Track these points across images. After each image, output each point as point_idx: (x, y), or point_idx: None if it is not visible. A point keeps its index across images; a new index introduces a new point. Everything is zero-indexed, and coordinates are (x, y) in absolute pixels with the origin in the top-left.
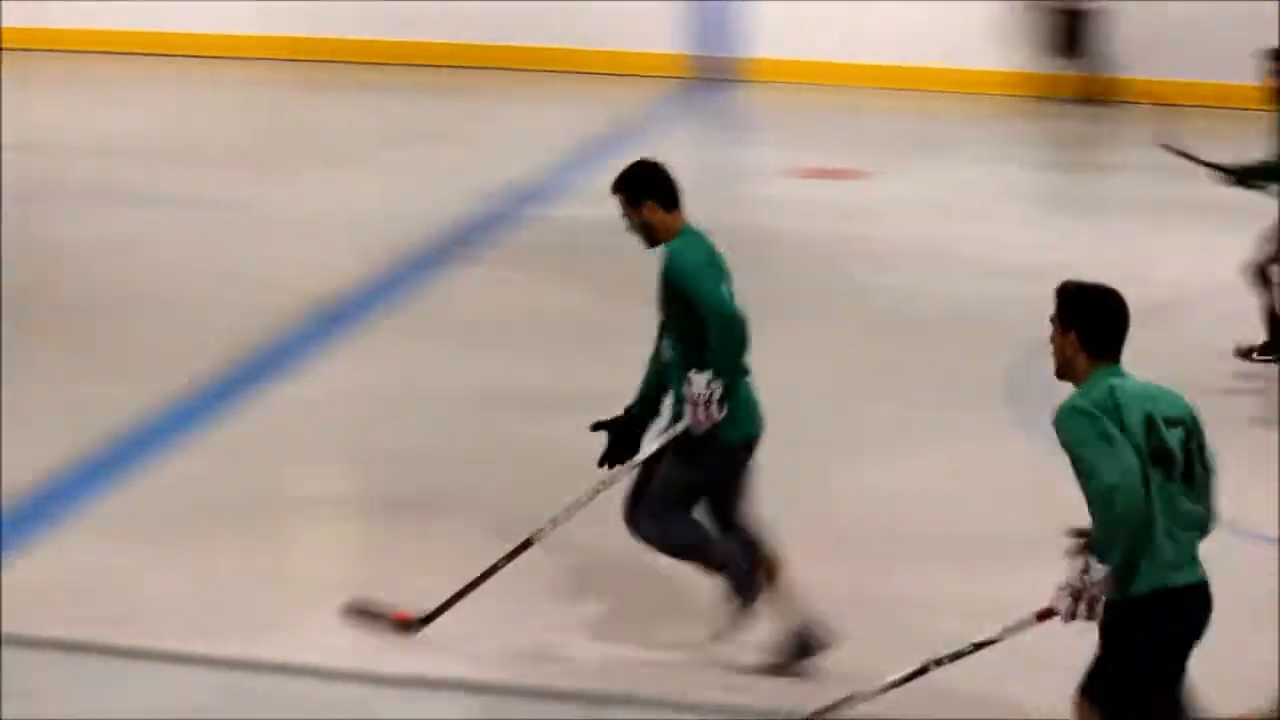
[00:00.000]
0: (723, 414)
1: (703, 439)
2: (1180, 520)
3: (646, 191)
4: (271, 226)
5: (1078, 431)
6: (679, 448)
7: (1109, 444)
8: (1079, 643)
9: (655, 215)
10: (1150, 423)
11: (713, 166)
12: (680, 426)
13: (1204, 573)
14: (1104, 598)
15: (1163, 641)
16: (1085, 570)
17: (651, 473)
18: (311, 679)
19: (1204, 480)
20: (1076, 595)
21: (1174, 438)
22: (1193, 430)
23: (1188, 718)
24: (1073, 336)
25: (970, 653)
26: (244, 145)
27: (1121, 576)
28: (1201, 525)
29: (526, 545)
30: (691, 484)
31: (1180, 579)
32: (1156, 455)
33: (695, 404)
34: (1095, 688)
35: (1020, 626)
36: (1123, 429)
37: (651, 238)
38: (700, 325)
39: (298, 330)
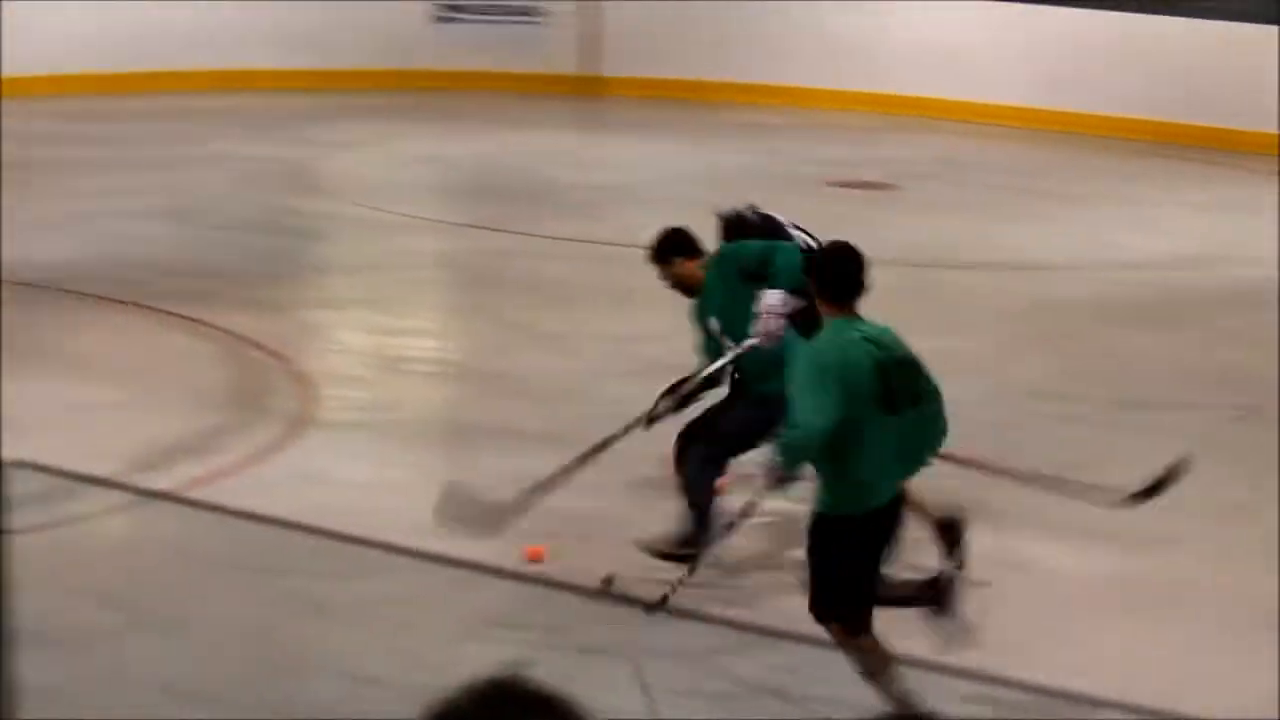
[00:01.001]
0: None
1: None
2: (896, 454)
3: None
4: None
5: (802, 367)
6: (738, 398)
7: (816, 389)
8: None
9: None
10: (880, 368)
11: None
12: (748, 343)
13: (899, 488)
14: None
15: (862, 551)
16: (771, 461)
17: (707, 418)
18: None
19: (931, 403)
20: (767, 473)
21: (900, 375)
22: (916, 364)
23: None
24: (819, 291)
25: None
26: None
27: (833, 498)
28: (925, 448)
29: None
30: (745, 430)
31: (880, 502)
32: (882, 397)
33: (767, 314)
34: (821, 598)
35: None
36: (851, 377)
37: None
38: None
39: None
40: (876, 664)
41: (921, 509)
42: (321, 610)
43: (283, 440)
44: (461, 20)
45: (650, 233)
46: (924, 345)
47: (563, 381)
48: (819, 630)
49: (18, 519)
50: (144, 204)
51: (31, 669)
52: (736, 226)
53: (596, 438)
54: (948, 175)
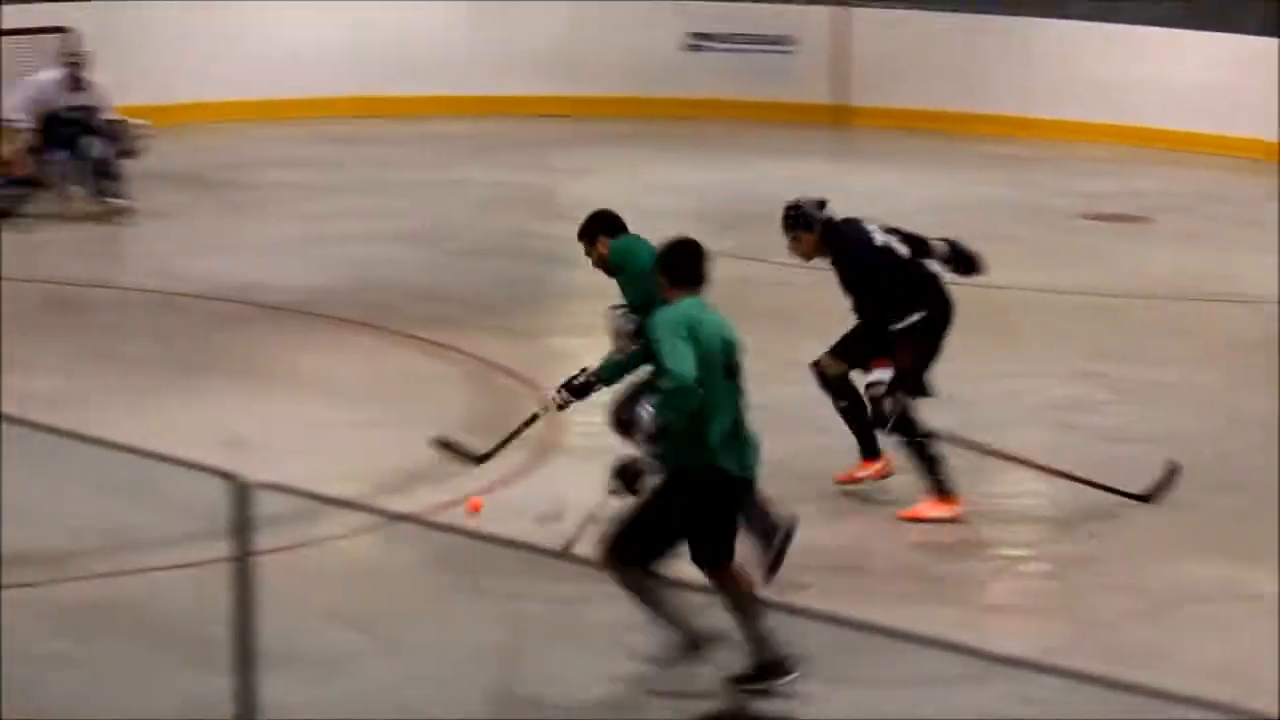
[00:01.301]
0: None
1: None
2: (741, 420)
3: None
4: None
5: (664, 328)
6: None
7: (680, 344)
8: None
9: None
10: (726, 344)
11: None
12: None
13: (751, 459)
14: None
15: (705, 507)
16: (646, 412)
17: None
18: None
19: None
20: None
21: (738, 361)
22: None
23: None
24: (662, 276)
25: None
26: None
27: (690, 451)
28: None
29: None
30: None
31: (733, 467)
32: (728, 369)
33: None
34: (627, 533)
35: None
36: (700, 342)
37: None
38: None
39: None
40: (744, 603)
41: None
42: (561, 634)
43: (528, 466)
44: (711, 48)
45: None
46: (1162, 377)
47: (807, 410)
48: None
49: (264, 540)
50: (389, 228)
51: (275, 690)
52: (795, 218)
53: (838, 468)
54: (1199, 208)
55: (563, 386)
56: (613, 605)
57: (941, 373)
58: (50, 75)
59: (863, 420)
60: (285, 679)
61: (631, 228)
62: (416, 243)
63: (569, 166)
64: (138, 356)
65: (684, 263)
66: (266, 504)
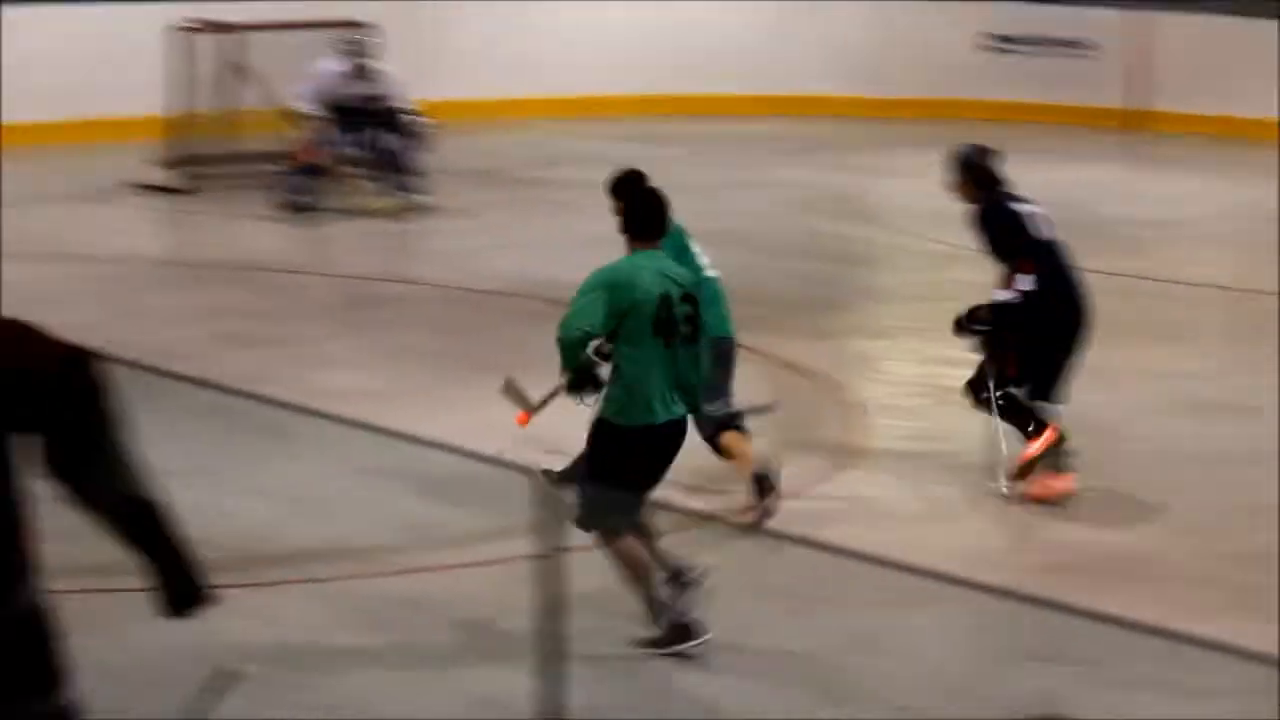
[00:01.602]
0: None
1: None
2: (672, 379)
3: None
4: None
5: (587, 280)
6: None
7: (590, 302)
8: None
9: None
10: (664, 299)
11: None
12: None
13: (681, 411)
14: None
15: (634, 460)
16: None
17: None
18: None
19: (696, 346)
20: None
21: (681, 311)
22: (700, 300)
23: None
24: (624, 230)
25: None
26: None
27: (613, 406)
28: (693, 372)
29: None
30: None
31: (659, 419)
32: (660, 325)
33: None
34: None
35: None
36: (635, 299)
37: None
38: None
39: None
40: (635, 571)
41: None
42: (867, 640)
43: (833, 469)
44: (1011, 51)
45: (1197, 269)
46: None
47: (1103, 415)
48: None
49: (574, 538)
50: (690, 228)
51: (580, 688)
52: (963, 164)
53: (1133, 474)
54: None
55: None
56: (924, 610)
57: None
58: (336, 64)
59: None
60: (589, 675)
61: (927, 230)
62: (718, 243)
63: (873, 167)
64: (437, 352)
65: (642, 216)
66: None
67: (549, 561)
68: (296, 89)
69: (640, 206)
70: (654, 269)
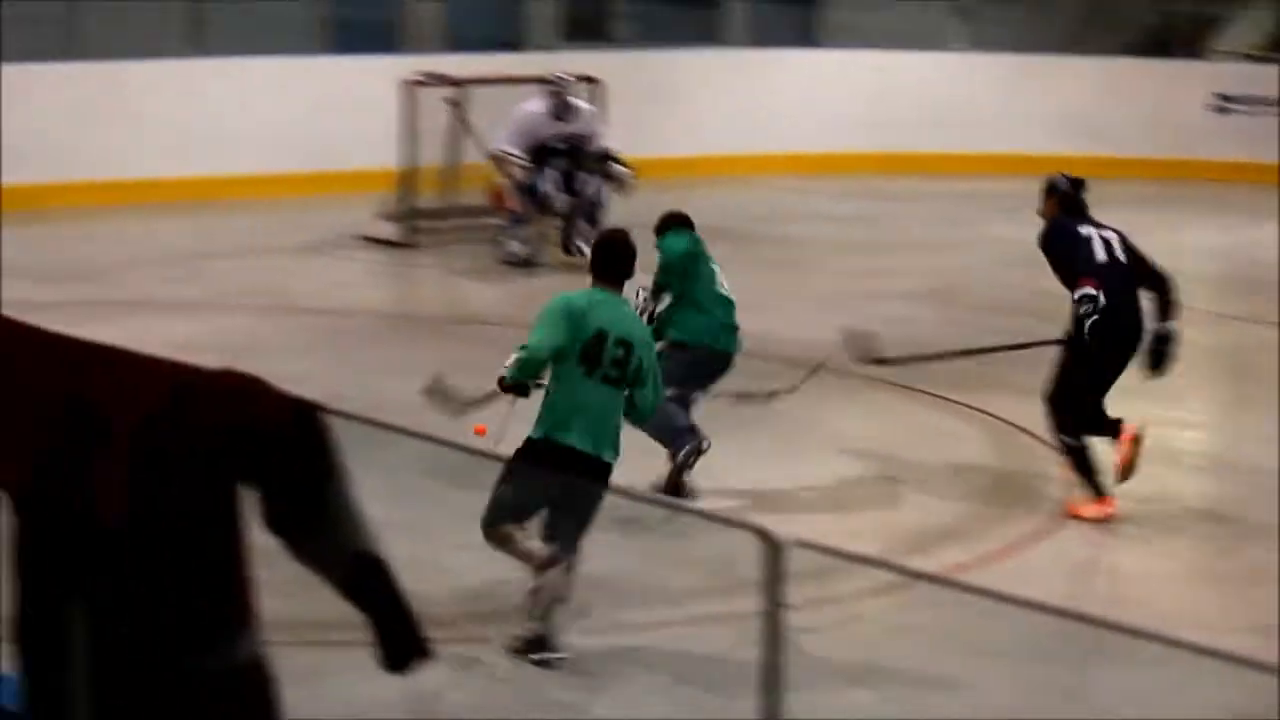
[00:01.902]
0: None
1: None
2: (585, 405)
3: None
4: None
5: (546, 309)
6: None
7: (548, 324)
8: None
9: None
10: (599, 334)
11: None
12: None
13: (596, 448)
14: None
15: (510, 468)
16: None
17: None
18: None
19: (640, 385)
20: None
21: (611, 352)
22: (634, 350)
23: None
24: (590, 268)
25: None
26: None
27: (538, 422)
28: (612, 415)
29: None
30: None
31: (566, 440)
32: (585, 355)
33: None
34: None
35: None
36: (578, 326)
37: None
38: None
39: None
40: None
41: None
42: (1076, 697)
43: (1048, 526)
44: (1236, 110)
45: None
46: None
47: None
48: None
49: (791, 595)
50: (914, 285)
51: None
52: (1050, 188)
53: None
54: None
55: None
56: (1137, 670)
57: None
58: (536, 105)
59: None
60: None
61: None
62: (941, 300)
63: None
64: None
65: (604, 259)
66: (795, 560)
67: (772, 620)
68: (499, 132)
69: (604, 251)
70: (600, 305)
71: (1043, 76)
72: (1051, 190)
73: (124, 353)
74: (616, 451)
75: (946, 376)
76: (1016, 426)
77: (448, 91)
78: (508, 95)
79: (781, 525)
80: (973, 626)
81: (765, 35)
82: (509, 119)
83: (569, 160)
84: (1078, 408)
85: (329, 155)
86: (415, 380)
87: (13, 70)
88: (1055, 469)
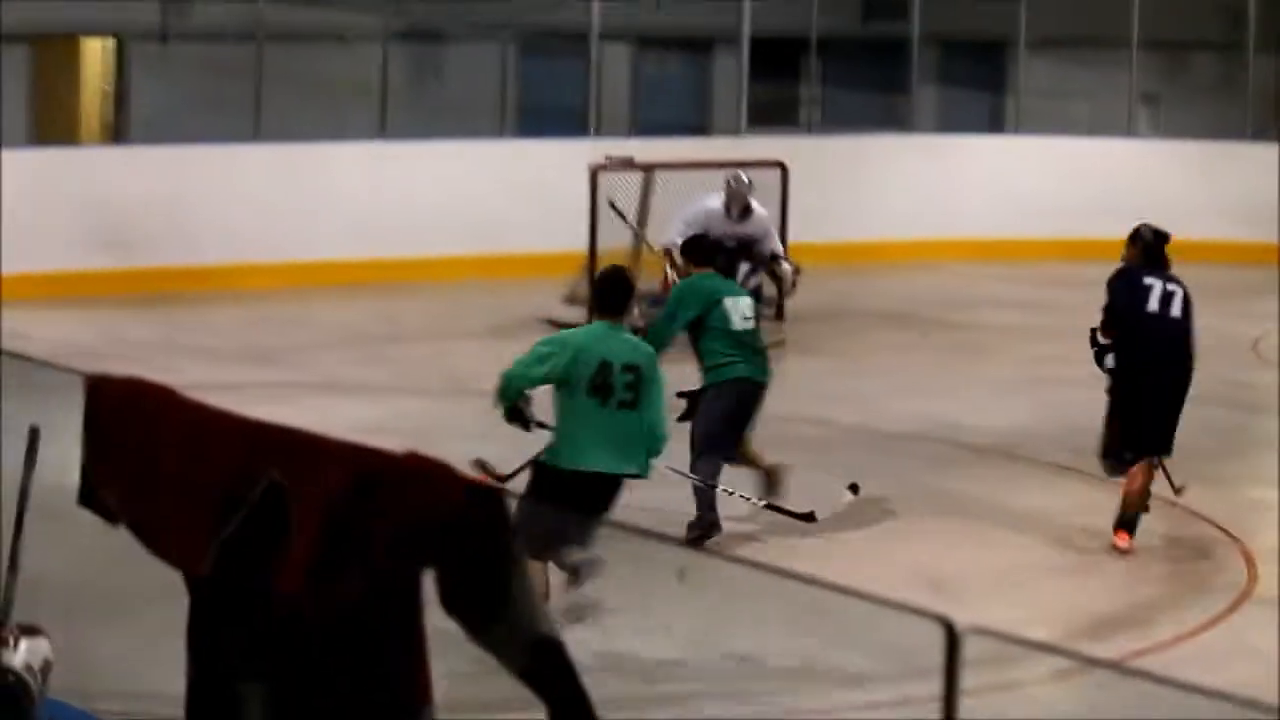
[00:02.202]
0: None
1: None
2: (607, 433)
3: None
4: None
5: (543, 341)
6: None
7: (535, 358)
8: None
9: None
10: (603, 365)
11: None
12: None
13: (622, 467)
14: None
15: (556, 498)
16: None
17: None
18: None
19: (649, 406)
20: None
21: (621, 379)
22: (641, 374)
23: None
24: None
25: None
26: None
27: (552, 452)
28: (635, 437)
29: None
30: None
31: (581, 467)
32: (596, 387)
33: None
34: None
35: None
36: (577, 358)
37: None
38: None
39: None
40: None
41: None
42: None
43: (1224, 614)
44: None
45: None
46: None
47: None
48: None
49: (969, 680)
50: (1096, 373)
51: None
52: (1135, 236)
53: None
54: None
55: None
56: None
57: None
58: (713, 203)
59: None
60: None
61: None
62: None
63: (1270, 314)
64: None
65: (602, 295)
66: (971, 646)
67: (949, 709)
68: (673, 224)
69: (603, 286)
70: (603, 339)
71: (1229, 163)
72: (1135, 239)
73: (307, 435)
74: (643, 465)
75: None
76: (1195, 513)
77: (634, 175)
78: (694, 180)
79: (959, 610)
80: (1151, 714)
81: (953, 121)
82: (686, 211)
83: (739, 257)
84: (1117, 439)
85: (514, 238)
86: None
87: (199, 152)
88: (1234, 556)
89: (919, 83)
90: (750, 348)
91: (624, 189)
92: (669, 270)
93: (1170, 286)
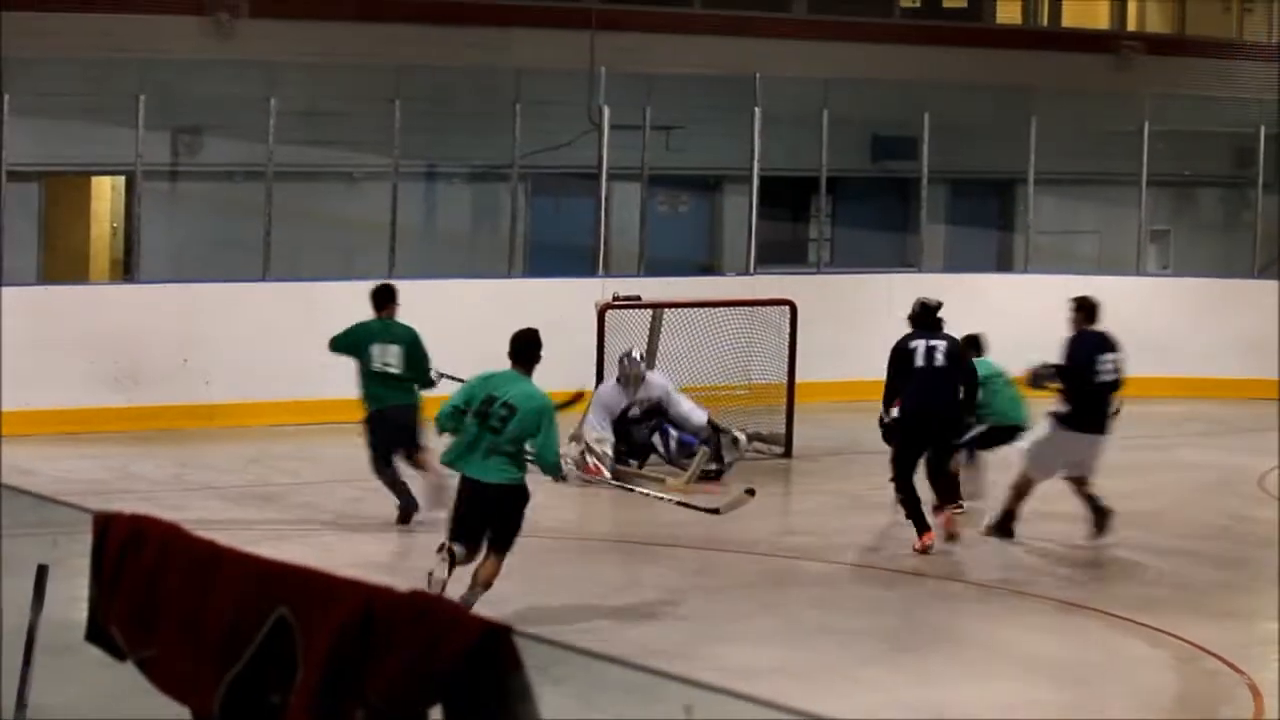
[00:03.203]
0: None
1: None
2: (483, 447)
3: None
4: None
5: (461, 387)
6: None
7: (459, 395)
8: None
9: None
10: (488, 398)
11: None
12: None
13: (484, 473)
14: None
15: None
16: None
17: None
18: None
19: (508, 430)
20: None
21: (498, 411)
22: (514, 409)
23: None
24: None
25: None
26: None
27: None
28: (495, 449)
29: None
30: None
31: (470, 471)
32: (480, 415)
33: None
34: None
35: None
36: (479, 388)
37: None
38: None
39: None
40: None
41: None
42: None
43: None
44: None
45: None
46: None
47: None
48: None
49: None
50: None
51: None
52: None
53: None
54: None
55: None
56: None
57: None
58: (608, 384)
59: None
60: None
61: None
62: (1133, 524)
63: (1277, 450)
64: (855, 632)
65: (514, 348)
66: None
67: None
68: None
69: (516, 341)
70: (496, 380)
71: (1235, 300)
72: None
73: (315, 573)
74: (501, 478)
75: (1137, 600)
76: (1203, 649)
77: (643, 314)
78: (703, 318)
79: None
80: None
81: (962, 259)
82: (591, 403)
83: (651, 427)
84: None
85: None
86: (601, 601)
87: (208, 290)
88: (1240, 689)
89: (928, 221)
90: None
91: (633, 328)
92: (591, 461)
93: (933, 342)
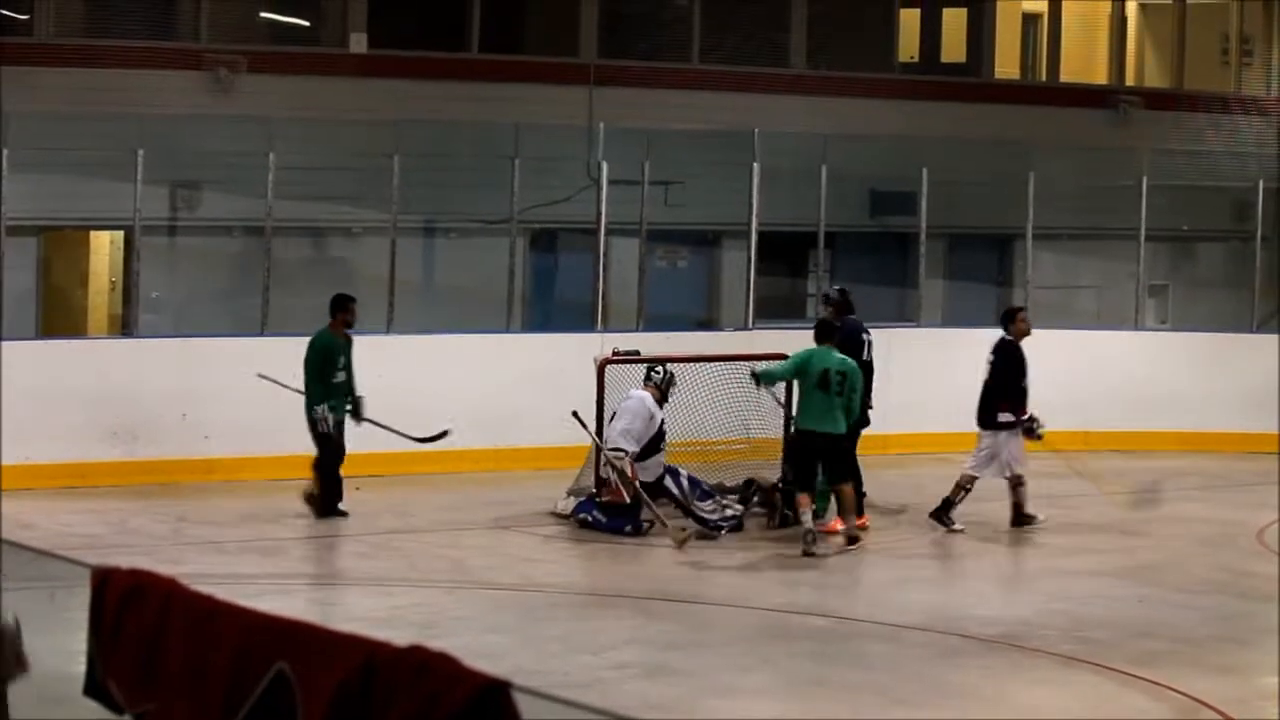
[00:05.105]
0: None
1: None
2: (820, 407)
3: None
4: None
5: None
6: None
7: (790, 362)
8: None
9: None
10: (824, 373)
11: None
12: None
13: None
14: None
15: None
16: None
17: None
18: None
19: (849, 394)
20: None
21: (835, 378)
22: (846, 377)
23: None
24: None
25: None
26: None
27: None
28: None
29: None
30: None
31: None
32: (820, 382)
33: None
34: None
35: None
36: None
37: None
38: None
39: None
40: None
41: None
42: None
43: None
44: None
45: None
46: None
47: None
48: None
49: None
50: (1106, 563)
51: None
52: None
53: None
54: None
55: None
56: None
57: None
58: (640, 393)
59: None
60: None
61: None
62: (1134, 579)
63: (1276, 504)
64: (853, 686)
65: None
66: None
67: None
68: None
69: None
70: (821, 357)
71: (1234, 354)
72: (826, 300)
73: (314, 627)
74: None
75: (1137, 654)
76: (1203, 703)
77: (640, 369)
78: (701, 373)
79: None
80: None
81: (960, 314)
82: (619, 412)
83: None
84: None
85: (521, 431)
86: (600, 656)
87: (206, 344)
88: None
89: (926, 276)
90: None
91: (632, 382)
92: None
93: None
